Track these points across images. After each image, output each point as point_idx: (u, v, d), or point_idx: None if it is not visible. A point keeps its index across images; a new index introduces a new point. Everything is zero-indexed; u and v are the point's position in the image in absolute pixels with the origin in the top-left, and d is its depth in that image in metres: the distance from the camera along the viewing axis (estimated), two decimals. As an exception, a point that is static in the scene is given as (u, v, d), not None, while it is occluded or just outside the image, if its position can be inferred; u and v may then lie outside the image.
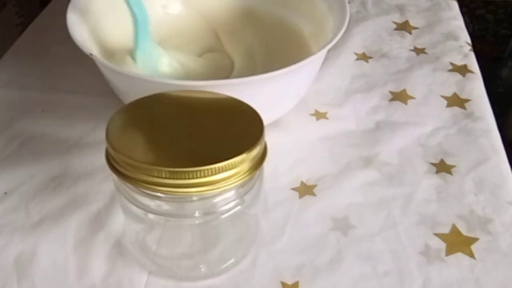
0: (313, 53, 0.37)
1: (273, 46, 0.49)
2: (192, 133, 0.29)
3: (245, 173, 0.27)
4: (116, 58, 0.43)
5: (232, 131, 0.29)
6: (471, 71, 0.51)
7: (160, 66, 0.43)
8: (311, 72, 0.42)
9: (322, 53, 0.38)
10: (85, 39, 0.39)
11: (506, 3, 1.11)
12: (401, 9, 0.60)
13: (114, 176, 0.28)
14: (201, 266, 0.34)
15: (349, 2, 0.61)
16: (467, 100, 0.47)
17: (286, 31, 0.49)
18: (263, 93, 0.37)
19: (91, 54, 0.36)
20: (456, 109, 0.46)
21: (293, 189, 0.39)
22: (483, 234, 0.36)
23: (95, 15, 0.43)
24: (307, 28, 0.48)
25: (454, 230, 0.36)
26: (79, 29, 0.39)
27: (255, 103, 0.30)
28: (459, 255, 0.35)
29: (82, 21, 0.41)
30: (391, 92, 0.48)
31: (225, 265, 0.34)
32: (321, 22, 0.45)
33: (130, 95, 0.32)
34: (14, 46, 0.54)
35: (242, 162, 0.27)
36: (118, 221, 0.36)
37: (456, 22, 0.58)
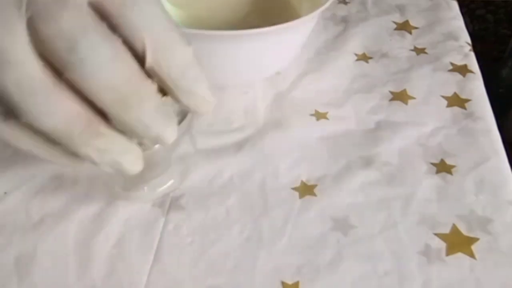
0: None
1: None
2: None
3: None
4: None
5: None
6: (471, 71, 0.51)
7: None
8: (304, 32, 0.45)
9: (316, 13, 0.41)
10: None
11: (506, 3, 1.11)
12: (401, 9, 0.60)
13: None
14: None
15: (348, 2, 0.61)
16: (467, 100, 0.47)
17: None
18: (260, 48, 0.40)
19: None
20: (456, 109, 0.46)
21: (293, 189, 0.39)
22: (483, 234, 0.36)
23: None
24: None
25: (454, 230, 0.36)
26: None
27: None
28: (459, 255, 0.35)
29: None
30: (391, 92, 0.48)
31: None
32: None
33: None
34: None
35: None
36: (118, 221, 0.36)
37: (456, 22, 0.58)
